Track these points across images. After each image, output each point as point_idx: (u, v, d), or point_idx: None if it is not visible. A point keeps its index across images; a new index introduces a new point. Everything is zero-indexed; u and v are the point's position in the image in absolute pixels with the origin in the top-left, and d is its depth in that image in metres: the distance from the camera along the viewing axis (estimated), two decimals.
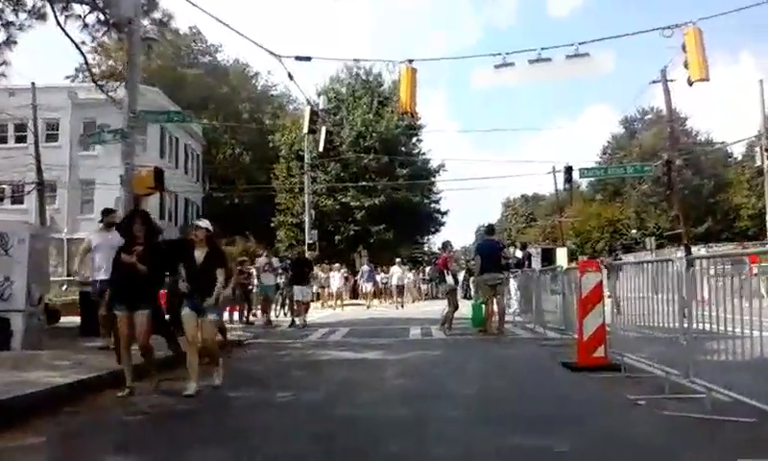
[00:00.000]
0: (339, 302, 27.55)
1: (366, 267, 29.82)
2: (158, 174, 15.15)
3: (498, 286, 14.16)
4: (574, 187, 78.97)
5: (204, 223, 7.71)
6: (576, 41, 15.94)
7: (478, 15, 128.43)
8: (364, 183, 42.15)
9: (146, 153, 39.97)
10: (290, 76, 20.05)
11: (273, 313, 18.85)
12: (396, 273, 29.39)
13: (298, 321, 16.60)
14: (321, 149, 28.01)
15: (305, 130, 24.75)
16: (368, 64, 48.04)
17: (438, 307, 18.04)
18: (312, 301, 20.55)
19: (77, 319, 13.83)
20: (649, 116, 70.07)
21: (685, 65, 15.15)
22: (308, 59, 18.53)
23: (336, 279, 28.16)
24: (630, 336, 8.26)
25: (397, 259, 30.77)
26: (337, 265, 29.63)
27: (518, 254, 21.25)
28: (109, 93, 18.14)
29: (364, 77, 47.85)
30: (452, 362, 9.74)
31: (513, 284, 20.12)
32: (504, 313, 14.40)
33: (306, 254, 20.60)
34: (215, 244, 7.80)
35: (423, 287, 36.24)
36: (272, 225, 45.84)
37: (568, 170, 32.86)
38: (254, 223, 45.77)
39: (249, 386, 7.97)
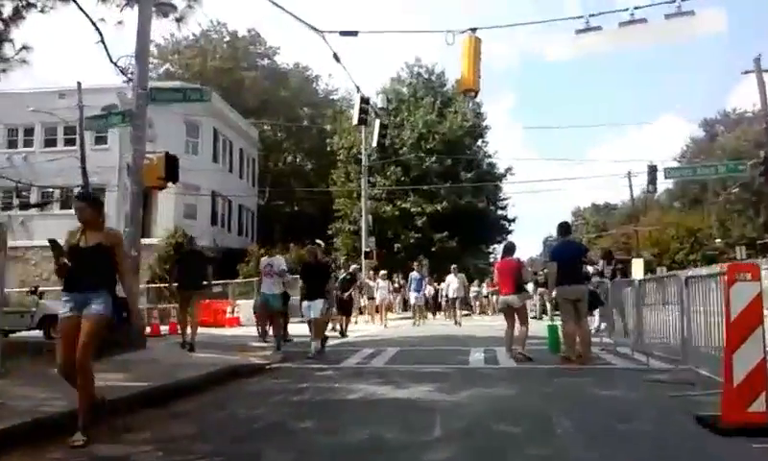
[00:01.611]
0: (384, 316, 23.29)
1: (414, 274, 24.42)
2: (171, 162, 12.76)
3: (580, 302, 11.18)
4: (650, 195, 75.20)
5: None
6: None
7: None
8: (426, 188, 39.40)
9: (198, 156, 38.48)
10: (335, 57, 17.44)
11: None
12: (453, 283, 24.45)
13: (314, 345, 12.65)
14: (374, 144, 25.32)
15: (355, 120, 22.15)
16: (430, 64, 45.77)
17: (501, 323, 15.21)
18: (335, 316, 17.38)
19: None
20: (743, 110, 65.00)
21: None
22: (354, 33, 15.99)
23: (382, 289, 23.69)
24: None
25: (453, 266, 25.74)
26: (383, 272, 25.37)
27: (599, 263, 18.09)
28: (129, 74, 15.85)
29: (426, 76, 45.42)
30: (530, 411, 6.72)
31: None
32: (589, 336, 11.40)
33: (322, 256, 14.70)
34: None
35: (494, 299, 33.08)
36: (329, 232, 43.51)
37: (652, 170, 29.51)
38: (315, 231, 43.61)
39: (214, 452, 5.28)
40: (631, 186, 52.53)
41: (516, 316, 12.00)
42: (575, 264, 11.31)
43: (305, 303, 12.75)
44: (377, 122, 23.47)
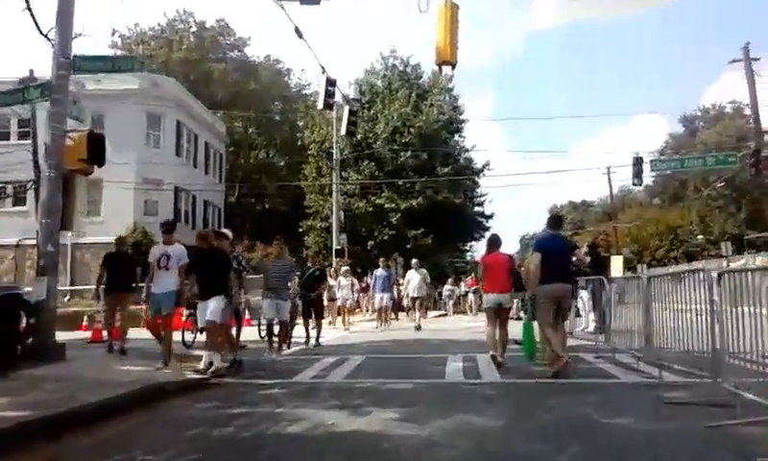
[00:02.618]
0: (346, 319, 20.26)
1: (380, 272, 20.89)
2: (95, 141, 10.90)
3: (565, 302, 9.66)
4: (627, 192, 74.43)
5: None
6: None
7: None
8: (400, 182, 37.70)
9: (160, 149, 36.39)
10: (297, 32, 15.69)
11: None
12: (413, 280, 20.85)
13: (206, 357, 9.69)
14: (343, 131, 23.51)
15: (320, 105, 20.32)
16: (405, 55, 44.17)
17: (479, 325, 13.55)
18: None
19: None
20: (724, 105, 64.36)
21: None
22: (317, 1, 14.19)
23: (344, 288, 20.14)
24: None
25: (414, 261, 21.75)
26: (345, 269, 21.73)
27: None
28: None
29: (401, 68, 43.77)
30: (528, 456, 5.06)
31: (584, 295, 15.56)
32: (565, 339, 9.73)
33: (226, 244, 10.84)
34: None
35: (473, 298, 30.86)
36: (300, 230, 41.61)
37: (638, 162, 28.01)
38: (287, 229, 41.69)
39: None
40: (610, 182, 51.54)
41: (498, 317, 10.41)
42: (563, 260, 9.68)
43: (200, 306, 9.97)
44: (346, 109, 21.67)
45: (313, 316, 14.95)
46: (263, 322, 13.31)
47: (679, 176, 66.41)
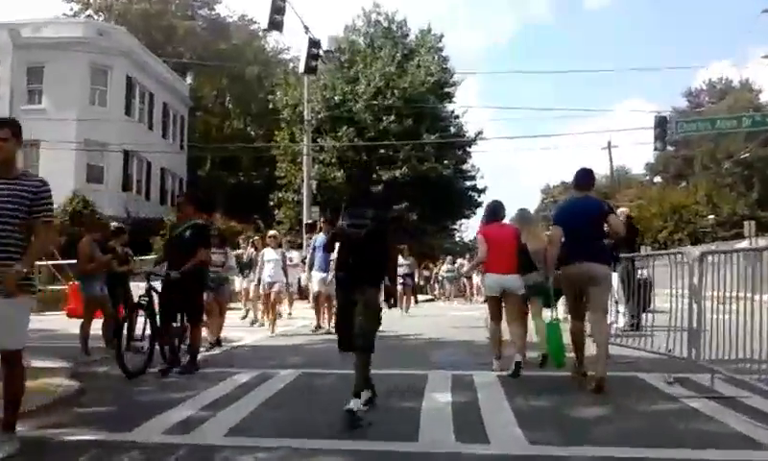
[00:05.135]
0: (269, 312, 12.74)
1: (321, 238, 12.36)
2: None
3: (596, 287, 6.71)
4: (625, 171, 70.51)
5: None
6: None
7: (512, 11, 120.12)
8: (382, 147, 33.31)
9: (106, 108, 31.86)
10: None
11: None
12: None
13: None
14: (302, 68, 19.12)
15: (267, 24, 15.87)
16: (390, 11, 39.65)
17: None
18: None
19: None
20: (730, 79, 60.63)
21: None
22: None
23: (270, 264, 12.53)
24: None
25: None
26: (272, 233, 13.72)
27: None
28: None
29: (385, 24, 39.27)
30: None
31: (614, 280, 11.21)
32: (607, 341, 6.93)
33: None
34: None
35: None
36: (271, 203, 37.22)
37: (661, 123, 23.74)
38: (262, 204, 37.46)
39: None
40: (611, 156, 47.86)
41: (505, 308, 7.78)
42: (592, 230, 6.84)
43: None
44: (307, 39, 17.24)
45: (183, 316, 8.09)
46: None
47: (683, 153, 62.79)
